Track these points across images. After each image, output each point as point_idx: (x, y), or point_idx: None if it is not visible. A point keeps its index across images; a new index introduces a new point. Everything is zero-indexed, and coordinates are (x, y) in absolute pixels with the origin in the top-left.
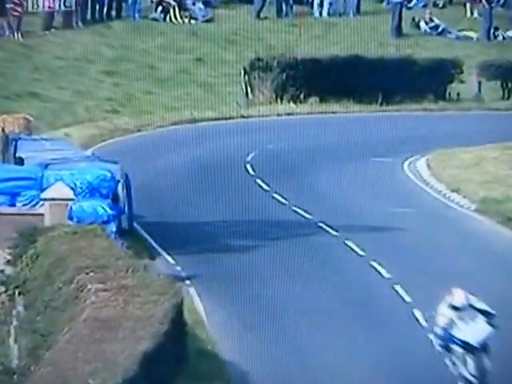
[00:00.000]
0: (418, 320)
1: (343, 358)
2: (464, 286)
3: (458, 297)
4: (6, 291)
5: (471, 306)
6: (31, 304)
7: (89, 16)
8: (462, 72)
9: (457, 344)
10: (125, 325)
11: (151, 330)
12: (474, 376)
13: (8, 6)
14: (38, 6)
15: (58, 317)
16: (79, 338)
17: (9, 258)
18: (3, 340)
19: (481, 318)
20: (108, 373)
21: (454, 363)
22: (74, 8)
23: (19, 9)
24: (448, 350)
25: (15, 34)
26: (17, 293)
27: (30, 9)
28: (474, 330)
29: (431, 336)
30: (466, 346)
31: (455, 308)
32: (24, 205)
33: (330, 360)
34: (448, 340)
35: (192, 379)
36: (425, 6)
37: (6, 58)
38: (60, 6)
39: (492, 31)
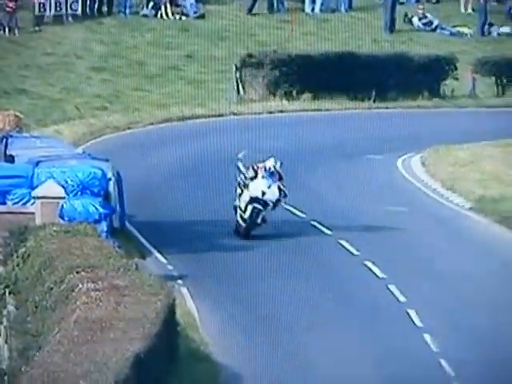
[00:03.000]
0: (412, 319)
1: (336, 356)
2: (458, 286)
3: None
4: None
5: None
6: (22, 304)
7: (79, 12)
8: (456, 69)
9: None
10: (116, 325)
11: (143, 331)
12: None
13: (1, 1)
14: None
15: (49, 317)
16: (70, 338)
17: None
18: None
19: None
20: (99, 374)
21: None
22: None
23: (11, 4)
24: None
25: (6, 30)
26: (7, 292)
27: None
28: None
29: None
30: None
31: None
32: (15, 203)
33: (324, 359)
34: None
35: (183, 382)
36: (418, 1)
37: None
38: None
39: (487, 27)
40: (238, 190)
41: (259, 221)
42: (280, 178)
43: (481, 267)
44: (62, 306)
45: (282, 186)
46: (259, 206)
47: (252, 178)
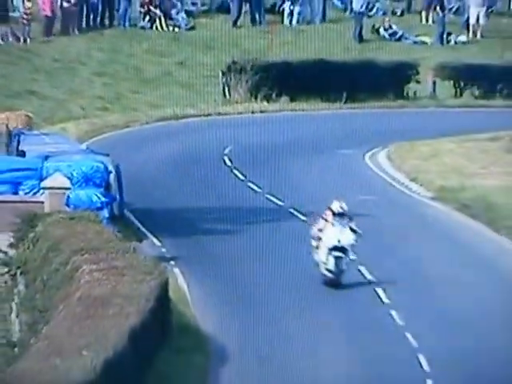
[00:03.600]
0: (380, 298)
1: (312, 328)
2: (420, 265)
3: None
4: (8, 271)
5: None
6: (31, 283)
7: (84, 24)
8: (418, 73)
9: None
10: (115, 302)
11: (138, 307)
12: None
13: (15, 14)
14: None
15: (55, 295)
16: (74, 314)
17: (12, 241)
18: (5, 316)
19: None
20: (100, 346)
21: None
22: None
23: (26, 17)
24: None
25: (21, 40)
26: (18, 273)
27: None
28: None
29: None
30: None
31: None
32: (26, 193)
33: (300, 332)
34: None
35: (176, 352)
36: (384, 14)
37: (8, 60)
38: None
39: (445, 36)
40: (314, 244)
41: (344, 267)
42: (350, 219)
43: (441, 250)
44: (66, 285)
45: (353, 227)
46: (339, 254)
47: (322, 229)
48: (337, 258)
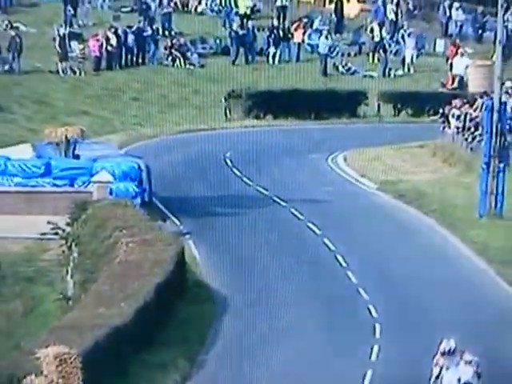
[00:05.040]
0: (339, 262)
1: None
2: (368, 238)
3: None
4: (66, 243)
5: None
6: (82, 252)
7: (123, 62)
8: (367, 98)
9: None
10: (145, 265)
11: (162, 269)
12: None
13: (73, 54)
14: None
15: (100, 261)
16: (114, 275)
17: (68, 221)
18: (63, 277)
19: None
20: (133, 298)
21: None
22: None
23: (82, 56)
24: None
25: (77, 73)
26: (73, 244)
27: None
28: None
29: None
30: None
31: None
32: (79, 186)
33: (281, 285)
34: None
35: (190, 302)
36: (342, 55)
37: (68, 88)
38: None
39: (387, 71)
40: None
41: None
42: (462, 352)
43: (383, 226)
44: (109, 253)
45: (478, 370)
46: None
47: (438, 377)
48: None
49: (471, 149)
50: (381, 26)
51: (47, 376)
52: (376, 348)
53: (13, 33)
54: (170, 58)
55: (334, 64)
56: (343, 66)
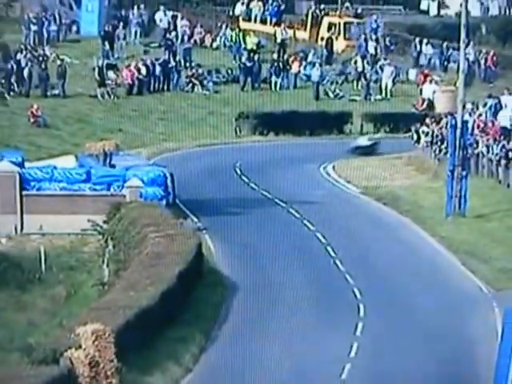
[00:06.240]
0: (329, 252)
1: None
2: (354, 233)
3: None
4: (103, 238)
5: None
6: (116, 245)
7: (152, 88)
8: (352, 118)
9: None
10: (169, 256)
11: (183, 258)
12: None
13: (109, 82)
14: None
15: (132, 252)
16: (143, 264)
17: (105, 219)
18: (100, 266)
19: None
20: (159, 283)
21: None
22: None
23: (116, 83)
24: None
25: (111, 97)
26: (109, 239)
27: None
28: None
29: None
30: None
31: None
32: (114, 190)
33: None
34: None
35: (206, 286)
36: (332, 83)
37: (105, 109)
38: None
39: (368, 96)
40: None
41: None
42: None
43: (365, 223)
44: (139, 246)
45: None
46: None
47: None
48: None
49: (438, 159)
50: (363, 58)
51: (85, 350)
52: (360, 324)
53: (59, 63)
54: (190, 85)
55: (325, 90)
56: (332, 92)
